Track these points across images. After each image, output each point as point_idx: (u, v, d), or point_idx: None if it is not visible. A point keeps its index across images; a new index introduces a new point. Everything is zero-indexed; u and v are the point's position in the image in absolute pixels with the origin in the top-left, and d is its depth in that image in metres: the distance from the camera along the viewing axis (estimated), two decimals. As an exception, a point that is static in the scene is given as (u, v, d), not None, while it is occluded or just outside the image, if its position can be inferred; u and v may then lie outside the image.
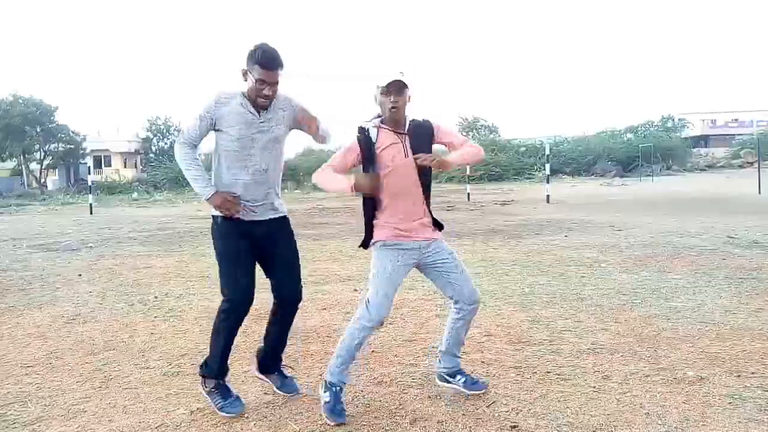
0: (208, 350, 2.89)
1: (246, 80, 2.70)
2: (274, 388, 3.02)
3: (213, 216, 2.85)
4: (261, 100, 2.69)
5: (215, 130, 2.76)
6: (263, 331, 3.08)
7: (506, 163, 34.23)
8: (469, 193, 19.09)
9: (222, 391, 2.82)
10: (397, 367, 3.34)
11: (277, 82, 2.69)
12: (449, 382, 2.94)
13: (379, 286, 2.71)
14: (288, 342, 3.07)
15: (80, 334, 4.26)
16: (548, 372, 3.17)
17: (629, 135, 42.20)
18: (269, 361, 3.05)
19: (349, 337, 2.74)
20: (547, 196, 15.92)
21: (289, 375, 3.07)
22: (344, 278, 6.00)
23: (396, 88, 2.62)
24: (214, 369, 2.85)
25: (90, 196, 19.08)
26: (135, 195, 29.88)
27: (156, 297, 5.41)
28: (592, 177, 32.83)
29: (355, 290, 5.36)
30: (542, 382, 3.03)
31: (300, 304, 3.00)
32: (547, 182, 16.95)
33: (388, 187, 2.67)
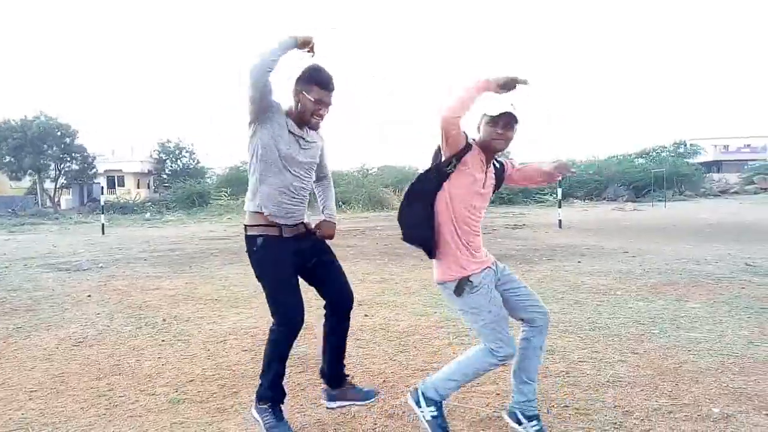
0: (261, 375, 2.83)
1: (298, 100, 2.72)
2: (358, 404, 2.95)
3: (251, 236, 2.76)
4: (315, 119, 2.73)
5: (260, 135, 2.68)
6: (318, 350, 3.07)
7: (516, 186, 34.13)
8: (479, 217, 18.94)
9: (275, 412, 2.77)
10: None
11: (332, 103, 2.73)
12: (521, 423, 2.62)
13: (497, 332, 2.50)
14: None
15: (87, 357, 4.20)
16: (566, 406, 3.05)
17: (640, 160, 42.03)
18: (335, 370, 2.98)
19: (475, 373, 2.59)
20: (559, 220, 15.78)
21: (358, 387, 3.02)
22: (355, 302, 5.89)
23: (506, 122, 2.52)
24: (271, 394, 2.80)
25: (102, 215, 19.20)
26: (147, 215, 30.05)
27: (164, 320, 5.35)
28: (604, 201, 32.63)
29: (366, 315, 5.27)
30: (560, 417, 2.91)
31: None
32: (559, 207, 16.82)
33: (468, 214, 2.58)
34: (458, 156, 2.51)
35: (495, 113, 2.49)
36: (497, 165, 2.74)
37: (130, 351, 4.34)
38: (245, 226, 2.80)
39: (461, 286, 2.53)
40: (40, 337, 4.79)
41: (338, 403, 2.96)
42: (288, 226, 2.76)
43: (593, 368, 3.66)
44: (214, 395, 3.37)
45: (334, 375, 2.99)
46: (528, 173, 2.87)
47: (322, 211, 3.05)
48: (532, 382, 2.65)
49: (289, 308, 2.73)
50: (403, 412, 3.02)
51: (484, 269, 2.58)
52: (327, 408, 2.99)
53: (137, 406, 3.22)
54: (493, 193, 2.76)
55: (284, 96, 2.75)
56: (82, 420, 3.04)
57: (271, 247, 2.73)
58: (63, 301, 6.36)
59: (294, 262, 2.77)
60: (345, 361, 3.02)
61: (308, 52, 2.69)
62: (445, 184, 2.55)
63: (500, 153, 2.66)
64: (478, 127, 2.60)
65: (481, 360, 2.55)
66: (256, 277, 2.81)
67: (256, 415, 2.79)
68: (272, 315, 2.78)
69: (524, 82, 2.46)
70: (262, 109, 2.65)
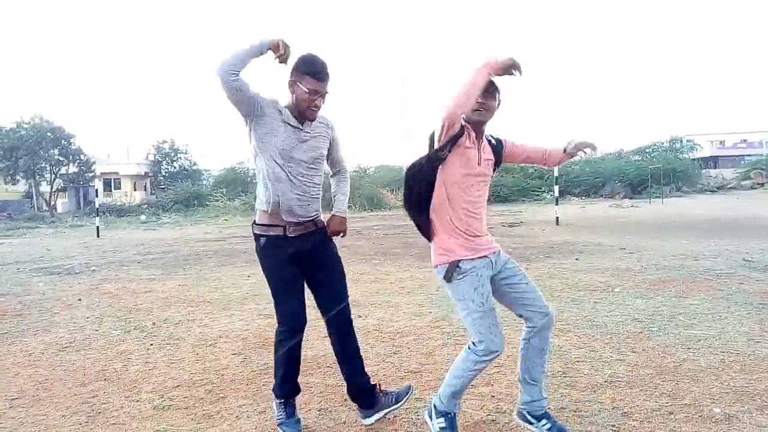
0: (274, 372, 2.83)
1: (293, 92, 2.65)
2: (395, 411, 2.85)
3: (256, 235, 2.74)
4: (311, 110, 2.65)
5: (255, 131, 2.63)
6: (338, 371, 2.99)
7: (513, 184, 34.03)
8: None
9: (287, 408, 2.78)
10: (401, 401, 3.13)
11: (327, 92, 2.66)
12: (531, 423, 2.57)
13: (478, 324, 2.42)
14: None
15: (72, 363, 4.09)
16: (563, 408, 2.96)
17: (637, 156, 41.98)
18: (355, 382, 2.87)
19: (463, 374, 2.49)
20: (557, 218, 15.70)
21: (389, 391, 2.91)
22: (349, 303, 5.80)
23: (486, 91, 2.43)
24: (280, 392, 2.80)
25: (97, 218, 19.09)
26: (143, 218, 29.92)
27: (154, 323, 5.24)
28: (601, 198, 32.58)
29: (360, 316, 5.17)
30: (557, 420, 2.82)
31: (352, 317, 2.94)
32: (556, 204, 16.75)
33: (462, 195, 2.49)
34: (453, 140, 2.45)
35: None
36: (494, 142, 2.65)
37: (117, 356, 4.24)
38: (253, 223, 2.77)
39: (450, 272, 2.46)
40: (26, 343, 4.69)
41: (374, 417, 2.81)
42: (294, 225, 2.69)
43: (591, 368, 3.57)
44: (201, 401, 3.27)
45: (358, 391, 2.85)
46: (532, 153, 2.78)
47: (332, 207, 2.97)
48: (536, 382, 2.57)
49: (289, 310, 2.72)
50: (395, 416, 2.92)
51: (480, 257, 2.48)
52: (364, 425, 2.82)
53: (121, 413, 3.12)
54: (495, 171, 2.66)
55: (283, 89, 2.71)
56: (62, 429, 2.93)
57: (273, 247, 2.70)
58: (52, 306, 6.25)
59: (297, 262, 2.72)
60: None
61: (278, 58, 2.55)
62: (440, 169, 2.49)
63: (484, 124, 2.56)
64: None
65: (465, 360, 2.48)
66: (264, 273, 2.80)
67: (274, 408, 2.83)
68: (276, 316, 2.77)
69: (519, 72, 2.39)
70: (245, 108, 2.59)
